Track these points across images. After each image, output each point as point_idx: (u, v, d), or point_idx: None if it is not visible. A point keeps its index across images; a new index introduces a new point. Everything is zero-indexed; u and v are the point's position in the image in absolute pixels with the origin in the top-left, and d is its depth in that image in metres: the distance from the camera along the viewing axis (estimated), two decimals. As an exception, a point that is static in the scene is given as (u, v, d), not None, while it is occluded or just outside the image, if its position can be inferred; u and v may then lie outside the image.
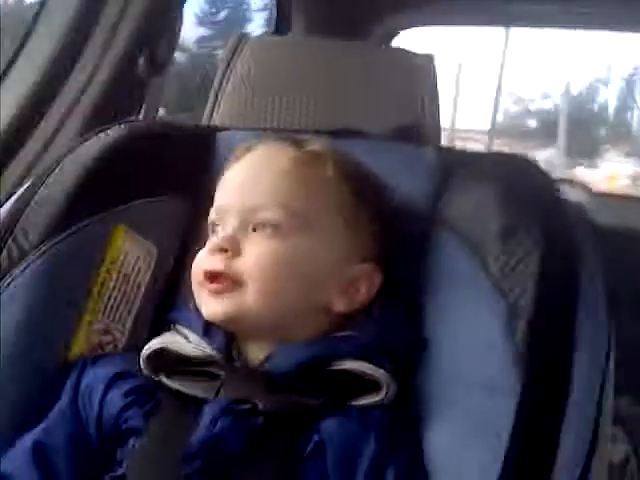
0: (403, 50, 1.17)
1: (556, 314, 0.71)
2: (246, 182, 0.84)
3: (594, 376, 0.70)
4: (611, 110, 8.62)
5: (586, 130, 8.07)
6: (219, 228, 0.83)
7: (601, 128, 8.57)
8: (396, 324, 0.83)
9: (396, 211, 0.90)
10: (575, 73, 8.13)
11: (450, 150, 0.99)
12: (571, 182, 2.45)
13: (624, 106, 8.54)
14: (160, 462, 0.74)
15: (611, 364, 0.73)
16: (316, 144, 0.87)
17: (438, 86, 1.11)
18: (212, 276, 0.79)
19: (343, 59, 1.11)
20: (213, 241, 0.81)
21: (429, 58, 1.12)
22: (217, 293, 0.79)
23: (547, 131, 7.58)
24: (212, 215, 0.85)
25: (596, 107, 8.57)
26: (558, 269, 0.73)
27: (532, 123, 8.55)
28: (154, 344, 0.82)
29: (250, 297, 0.78)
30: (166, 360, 0.82)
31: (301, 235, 0.80)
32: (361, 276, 0.83)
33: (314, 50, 1.13)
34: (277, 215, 0.80)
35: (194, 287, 0.82)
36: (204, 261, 0.81)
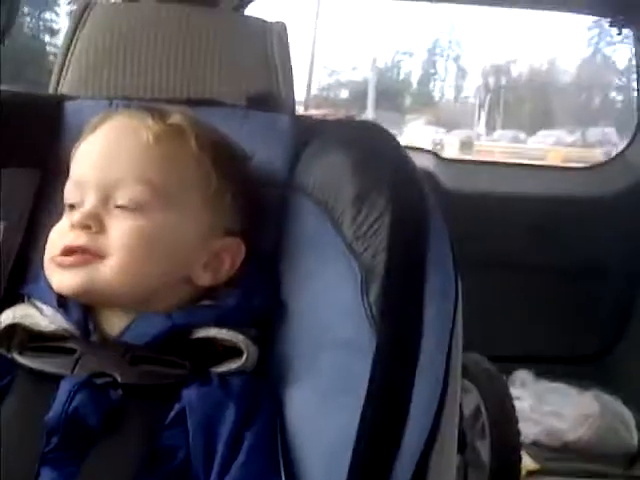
0: (255, 17, 1.17)
1: (407, 272, 0.73)
2: (105, 155, 0.81)
3: (444, 329, 0.73)
4: (415, 81, 9.22)
5: (393, 100, 8.57)
6: (77, 202, 0.80)
7: (407, 97, 9.14)
8: (257, 291, 0.84)
9: (256, 180, 0.90)
10: (381, 45, 8.55)
11: (305, 118, 1.01)
12: (421, 149, 2.53)
13: (427, 76, 9.14)
14: (17, 441, 0.71)
15: (459, 317, 0.76)
16: (177, 116, 0.85)
17: (291, 54, 1.12)
18: (71, 252, 0.77)
19: (195, 25, 1.09)
20: (74, 216, 0.79)
21: (282, 26, 1.12)
22: (69, 266, 0.77)
23: (358, 102, 7.98)
24: (69, 189, 0.82)
25: (401, 78, 9.14)
26: (408, 230, 0.75)
27: (344, 94, 8.93)
28: (5, 319, 0.79)
29: (109, 272, 0.77)
30: (19, 336, 0.79)
31: (164, 211, 0.79)
32: (225, 250, 0.83)
33: (164, 16, 1.10)
34: (139, 192, 0.79)
35: (45, 260, 0.80)
36: (64, 236, 0.79)
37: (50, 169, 0.93)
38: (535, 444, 2.10)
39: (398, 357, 0.70)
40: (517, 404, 1.77)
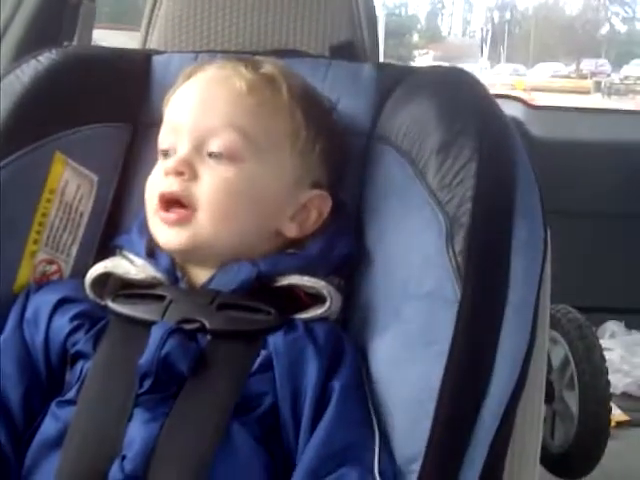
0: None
1: (494, 223, 0.72)
2: (199, 103, 0.82)
3: (531, 281, 0.72)
4: (423, 17, 9.12)
5: (401, 37, 8.47)
6: (171, 150, 0.82)
7: (415, 34, 9.07)
8: (340, 240, 0.84)
9: (341, 131, 0.90)
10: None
11: (389, 66, 0.99)
12: (508, 96, 2.47)
13: (435, 12, 9.05)
14: (110, 384, 0.74)
15: (547, 269, 0.75)
16: (269, 66, 0.85)
17: (375, 2, 1.10)
18: (167, 202, 0.79)
19: None
20: (168, 164, 0.80)
21: None
22: (172, 223, 0.79)
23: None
24: (163, 135, 0.84)
25: (410, 14, 9.07)
26: (495, 179, 0.74)
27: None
28: (97, 268, 0.82)
29: (205, 225, 0.78)
30: (112, 285, 0.82)
31: (256, 162, 0.80)
32: (311, 202, 0.84)
33: None
34: (232, 139, 0.79)
35: (149, 214, 0.82)
36: (159, 183, 0.80)
37: (141, 123, 0.94)
38: (625, 395, 2.07)
39: (484, 308, 0.70)
40: (607, 355, 1.74)
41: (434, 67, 0.91)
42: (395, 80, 0.92)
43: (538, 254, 0.73)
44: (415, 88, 0.88)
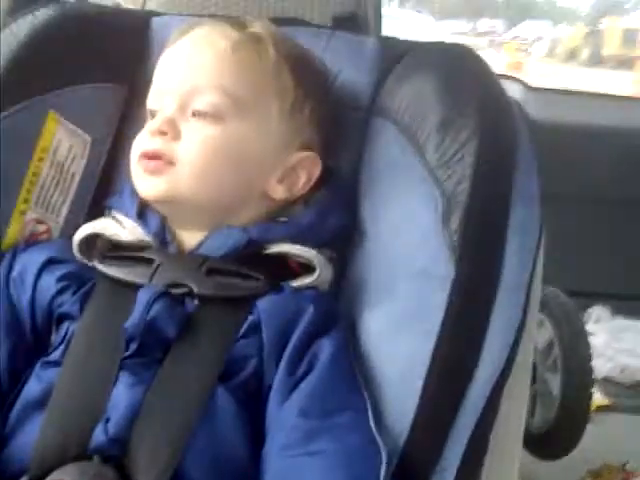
0: None
1: (491, 203, 0.72)
2: (184, 63, 0.82)
3: (525, 263, 0.72)
4: None
5: None
6: (157, 111, 0.81)
7: None
8: (333, 211, 0.84)
9: (337, 99, 0.89)
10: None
11: (392, 40, 0.98)
12: (508, 77, 2.45)
13: None
14: (95, 347, 0.74)
15: (541, 252, 0.75)
16: (257, 25, 0.85)
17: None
18: (148, 158, 0.79)
19: None
20: (152, 123, 0.80)
21: None
22: (153, 172, 0.78)
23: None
24: (150, 98, 0.83)
25: None
26: (495, 159, 0.74)
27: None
28: (86, 229, 0.82)
29: (183, 178, 0.78)
30: (100, 246, 0.81)
31: (240, 121, 0.79)
32: (300, 164, 0.83)
33: None
34: (216, 99, 0.79)
35: (132, 167, 0.81)
36: (143, 142, 0.80)
37: (137, 84, 0.93)
38: (607, 380, 2.09)
39: (477, 287, 0.70)
40: (591, 340, 1.75)
41: (438, 43, 0.90)
42: (398, 55, 0.91)
43: (533, 238, 0.73)
44: (418, 64, 0.87)
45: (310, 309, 0.74)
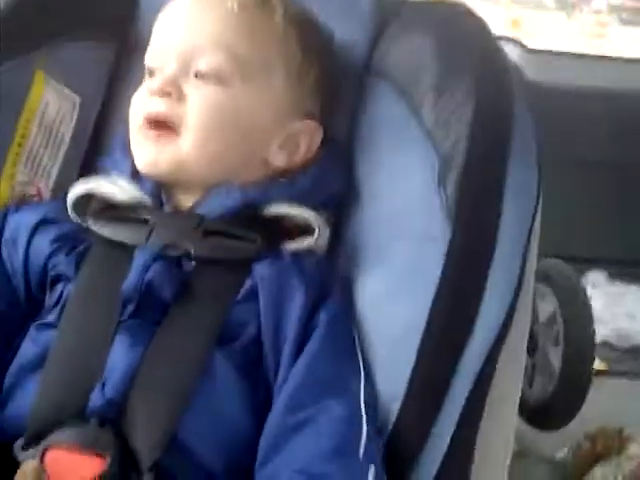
0: None
1: (488, 164, 0.71)
2: (187, 22, 0.79)
3: (522, 227, 0.71)
4: None
5: None
6: (157, 68, 0.79)
7: None
8: (330, 174, 0.82)
9: (336, 62, 0.87)
10: None
11: (387, -3, 0.96)
12: (506, 38, 2.42)
13: None
14: (92, 309, 0.73)
15: (538, 217, 0.74)
16: None
17: None
18: (153, 123, 0.76)
19: None
20: (153, 83, 0.77)
21: None
22: (155, 139, 0.76)
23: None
24: (150, 53, 0.81)
25: None
26: (492, 120, 0.72)
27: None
28: (80, 189, 0.80)
29: (187, 148, 0.76)
30: (94, 206, 0.80)
31: (243, 85, 0.77)
32: (302, 132, 0.81)
33: None
34: (219, 59, 0.77)
35: (132, 132, 0.79)
36: (145, 104, 0.78)
37: (128, 43, 0.91)
38: (604, 345, 2.09)
39: (473, 249, 0.69)
40: (588, 304, 1.74)
41: (434, 2, 0.88)
42: (392, 12, 0.89)
43: (531, 200, 0.72)
44: (413, 22, 0.86)
45: (309, 276, 0.73)
